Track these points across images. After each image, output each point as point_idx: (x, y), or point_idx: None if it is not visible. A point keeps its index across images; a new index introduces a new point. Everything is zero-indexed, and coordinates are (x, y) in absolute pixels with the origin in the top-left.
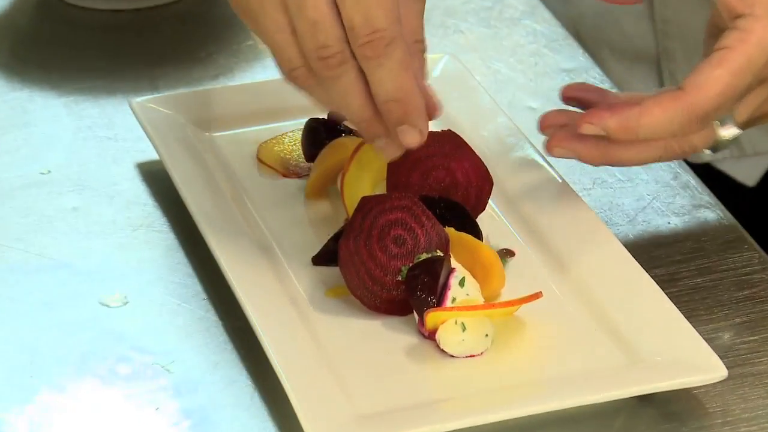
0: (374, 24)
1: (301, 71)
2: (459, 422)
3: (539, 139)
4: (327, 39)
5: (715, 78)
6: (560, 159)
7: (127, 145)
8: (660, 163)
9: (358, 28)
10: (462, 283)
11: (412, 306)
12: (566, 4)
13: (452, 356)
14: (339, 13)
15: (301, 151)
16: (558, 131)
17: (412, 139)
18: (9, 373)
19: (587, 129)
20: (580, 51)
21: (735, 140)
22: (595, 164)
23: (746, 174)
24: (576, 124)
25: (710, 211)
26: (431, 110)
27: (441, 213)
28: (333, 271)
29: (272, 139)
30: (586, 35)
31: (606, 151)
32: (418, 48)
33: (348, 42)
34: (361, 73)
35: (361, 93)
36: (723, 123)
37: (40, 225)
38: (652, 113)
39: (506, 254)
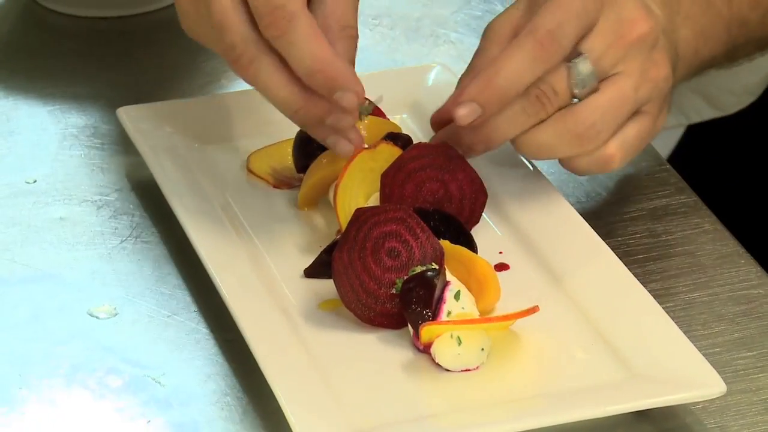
0: (273, 2)
1: (239, 70)
2: None
3: None
4: (233, 39)
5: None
6: (554, 172)
7: (114, 154)
8: (654, 174)
9: (260, 10)
10: (457, 296)
11: (406, 319)
12: None
13: (447, 370)
14: (247, 10)
15: (292, 162)
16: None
17: (350, 101)
18: None
19: (461, 111)
20: None
21: (592, 75)
22: (477, 149)
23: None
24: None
25: (707, 225)
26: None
27: (435, 225)
28: (326, 284)
29: (263, 149)
30: None
31: (481, 131)
32: (346, 34)
33: (258, 39)
34: (282, 62)
35: (285, 81)
36: (577, 59)
37: (26, 235)
38: (506, 56)
39: (501, 267)
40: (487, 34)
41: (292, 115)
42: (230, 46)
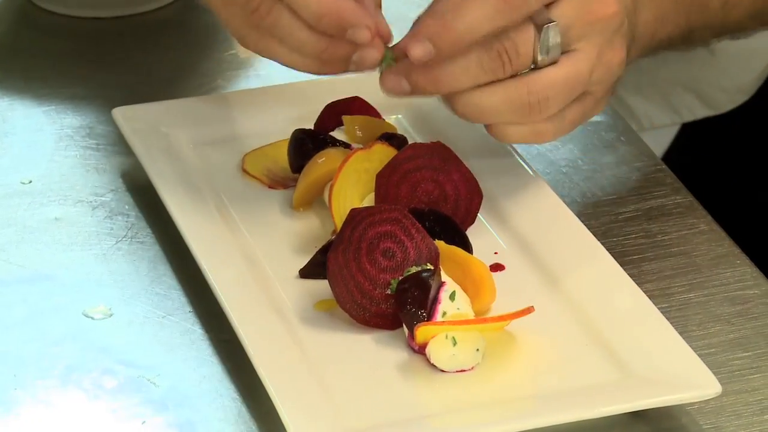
0: None
1: (252, 34)
2: None
3: (530, 152)
4: None
5: None
6: (549, 173)
7: (110, 154)
8: (649, 175)
9: None
10: (452, 297)
11: (402, 320)
12: None
13: (442, 371)
14: None
15: (287, 162)
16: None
17: (363, 36)
18: None
19: (416, 49)
20: None
21: (558, 45)
22: (424, 90)
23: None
24: (407, 55)
25: (702, 226)
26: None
27: (430, 226)
28: (321, 284)
29: (258, 149)
30: None
31: (432, 72)
32: None
33: None
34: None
35: (304, 26)
36: (549, 25)
37: (22, 236)
38: (469, 2)
39: (496, 268)
40: None
41: (320, 60)
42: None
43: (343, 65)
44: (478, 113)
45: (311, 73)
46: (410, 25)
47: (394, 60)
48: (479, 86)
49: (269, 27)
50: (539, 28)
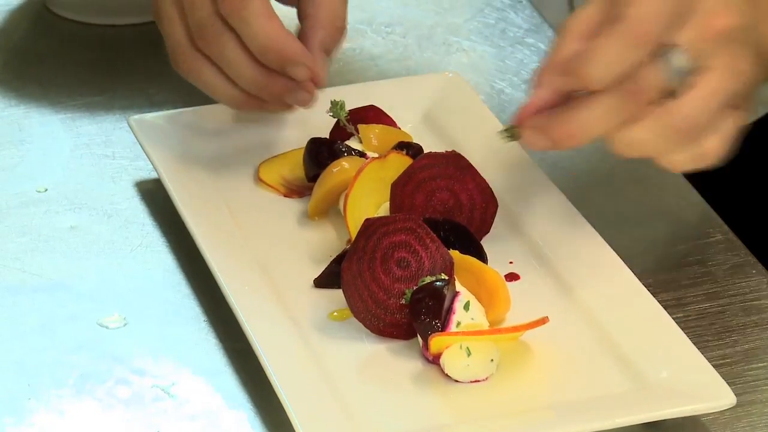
0: None
1: (189, 57)
2: None
3: (545, 161)
4: (201, 15)
5: None
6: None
7: (125, 163)
8: (666, 186)
9: None
10: (467, 307)
11: (416, 330)
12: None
13: (457, 381)
14: None
15: (302, 171)
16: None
17: (302, 74)
18: (7, 395)
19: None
20: None
21: (688, 68)
22: (564, 143)
23: None
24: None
25: (718, 235)
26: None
27: (445, 235)
28: (335, 294)
29: (273, 158)
30: None
31: (566, 126)
32: (333, 25)
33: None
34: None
35: (247, 57)
36: (669, 53)
37: (37, 244)
38: (596, 45)
39: (511, 278)
40: (564, 32)
41: (246, 95)
42: (198, 21)
43: (269, 103)
44: (637, 149)
45: (231, 106)
46: (426, 33)
47: (517, 136)
48: (628, 124)
49: (212, 53)
50: (666, 56)
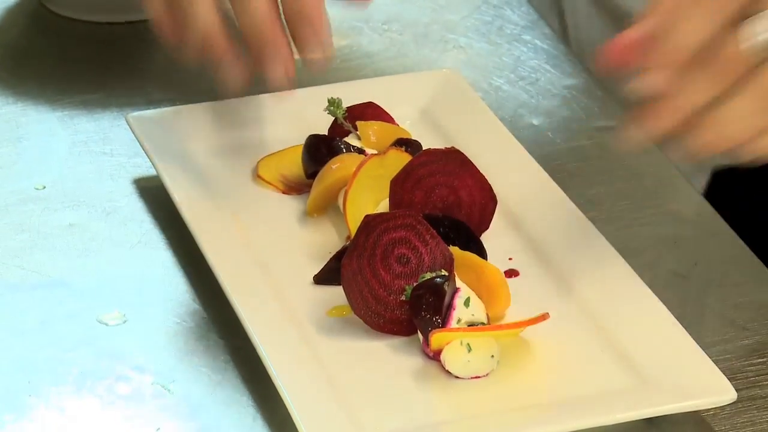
0: None
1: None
2: None
3: (543, 157)
4: None
5: None
6: (561, 177)
7: (123, 160)
8: (665, 183)
9: None
10: (467, 303)
11: (416, 326)
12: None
13: (457, 377)
14: None
15: (301, 168)
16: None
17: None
18: (6, 392)
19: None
20: (581, 67)
21: None
22: (670, 126)
23: None
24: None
25: (719, 233)
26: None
27: (445, 232)
28: (335, 291)
29: (272, 155)
30: (588, 52)
31: (663, 108)
32: (306, 22)
33: None
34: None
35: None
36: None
37: (35, 242)
38: (682, 14)
39: (511, 274)
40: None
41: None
42: None
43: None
44: (733, 130)
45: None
46: (423, 31)
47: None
48: (720, 104)
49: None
50: (749, 22)
